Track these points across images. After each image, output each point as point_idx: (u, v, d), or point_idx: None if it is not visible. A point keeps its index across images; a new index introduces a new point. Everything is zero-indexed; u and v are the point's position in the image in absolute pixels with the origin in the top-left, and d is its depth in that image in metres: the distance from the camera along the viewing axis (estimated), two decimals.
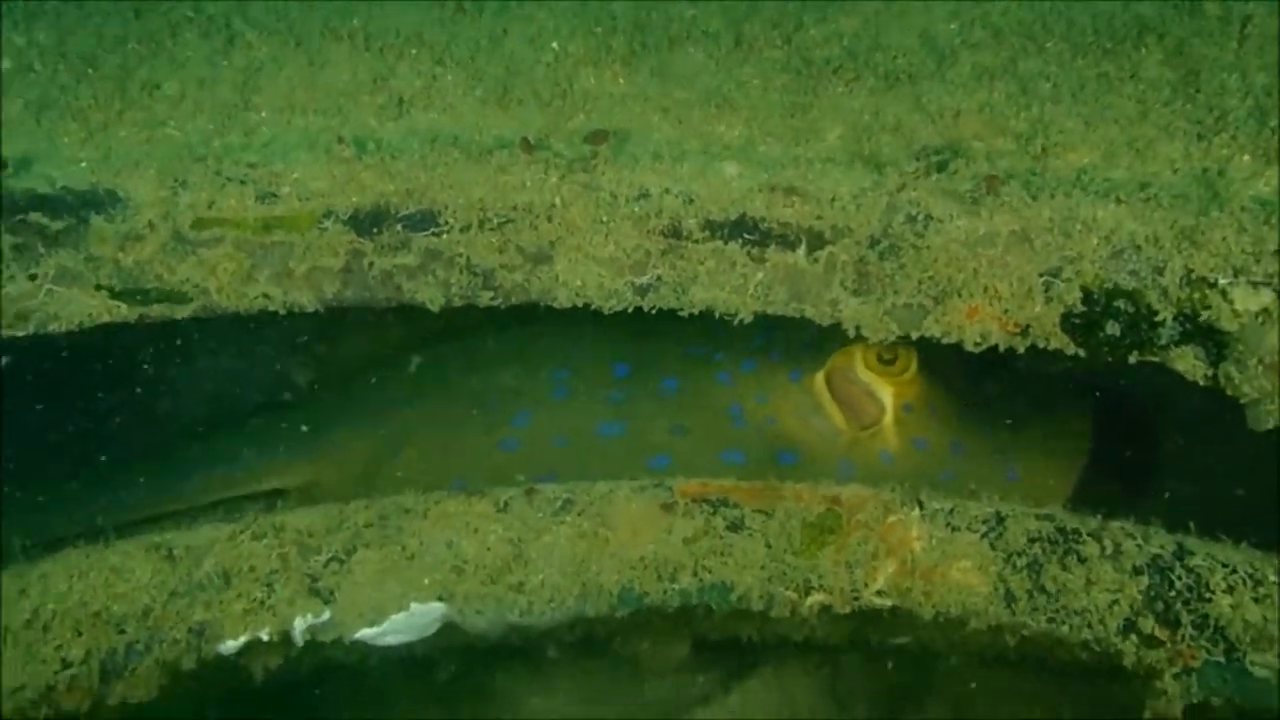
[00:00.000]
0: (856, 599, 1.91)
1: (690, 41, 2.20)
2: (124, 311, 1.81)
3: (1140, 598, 1.79)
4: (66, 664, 1.73)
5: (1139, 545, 1.82)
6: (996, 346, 1.96)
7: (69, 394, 1.97)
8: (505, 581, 1.93)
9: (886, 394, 2.46)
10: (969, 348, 1.94)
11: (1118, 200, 1.85)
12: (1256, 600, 1.72)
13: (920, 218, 1.89)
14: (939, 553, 1.90)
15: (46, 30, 2.02)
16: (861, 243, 1.90)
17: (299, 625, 1.88)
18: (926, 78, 2.12)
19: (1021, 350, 1.93)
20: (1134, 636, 1.78)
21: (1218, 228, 1.78)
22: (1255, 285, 1.76)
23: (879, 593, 1.92)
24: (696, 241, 1.92)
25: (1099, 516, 1.88)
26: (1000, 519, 1.90)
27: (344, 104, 2.01)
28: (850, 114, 2.05)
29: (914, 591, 1.90)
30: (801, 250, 1.91)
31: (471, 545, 1.94)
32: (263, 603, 1.87)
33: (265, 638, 1.87)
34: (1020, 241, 1.85)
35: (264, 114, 1.98)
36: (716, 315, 1.98)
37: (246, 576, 1.87)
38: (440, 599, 1.93)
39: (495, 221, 1.91)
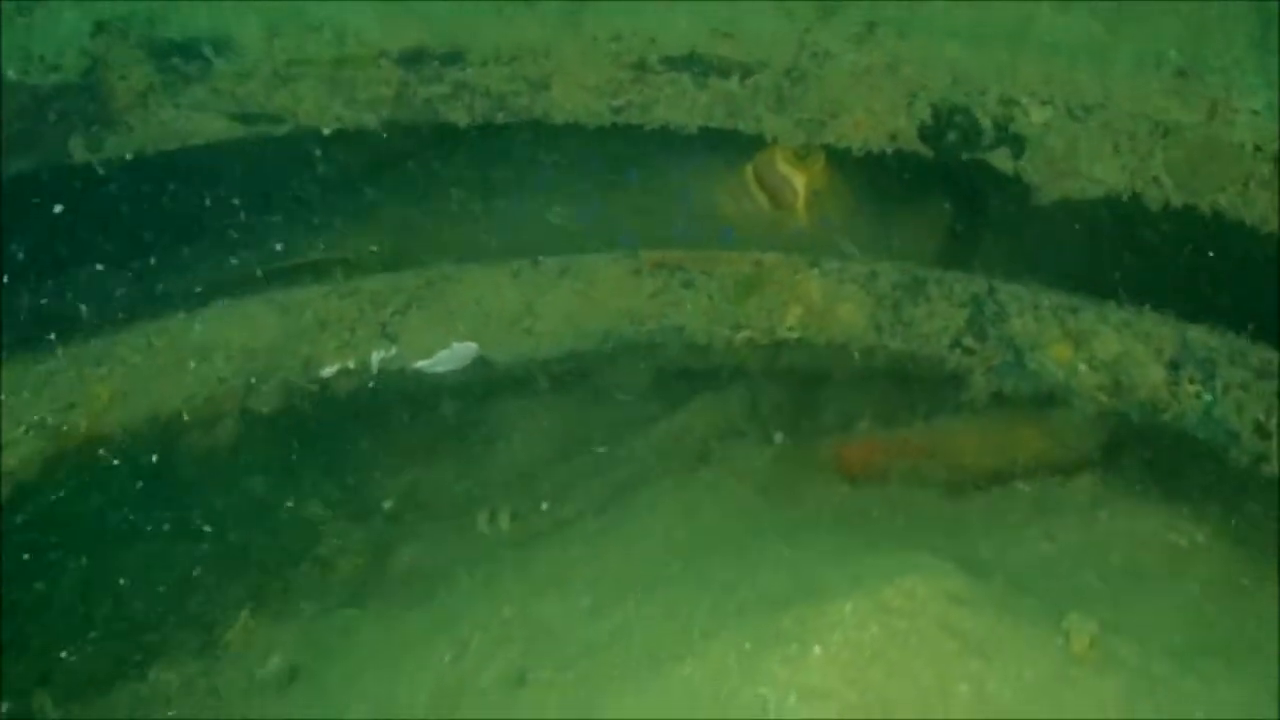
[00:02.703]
0: (773, 333, 2.59)
1: None
2: (239, 131, 2.39)
3: (964, 323, 2.48)
4: (222, 380, 2.41)
5: (964, 286, 2.49)
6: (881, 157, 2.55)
7: (202, 193, 2.55)
8: (520, 327, 2.55)
9: (800, 182, 2.97)
10: (855, 151, 2.55)
11: (960, 39, 2.39)
12: (1035, 320, 2.43)
13: (820, 53, 2.42)
14: (831, 298, 2.53)
15: None
16: (778, 72, 2.44)
17: (375, 358, 2.51)
18: None
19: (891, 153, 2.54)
20: (958, 349, 2.47)
21: (1024, 62, 2.36)
22: (1042, 103, 2.37)
23: (788, 329, 2.57)
24: (657, 74, 2.43)
25: (942, 269, 2.58)
26: (874, 274, 2.55)
27: None
28: None
29: (812, 327, 2.56)
30: (735, 79, 2.44)
31: (495, 301, 2.54)
32: (348, 342, 2.49)
33: (351, 366, 2.53)
34: (891, 71, 2.41)
35: None
36: (671, 129, 2.53)
37: (337, 324, 2.48)
38: (473, 340, 2.60)
39: (506, 58, 2.42)
